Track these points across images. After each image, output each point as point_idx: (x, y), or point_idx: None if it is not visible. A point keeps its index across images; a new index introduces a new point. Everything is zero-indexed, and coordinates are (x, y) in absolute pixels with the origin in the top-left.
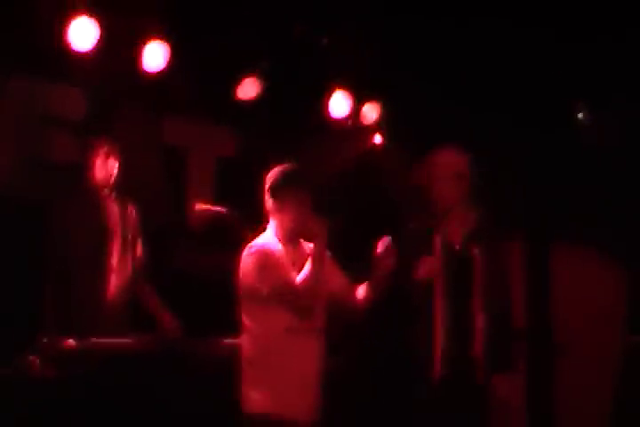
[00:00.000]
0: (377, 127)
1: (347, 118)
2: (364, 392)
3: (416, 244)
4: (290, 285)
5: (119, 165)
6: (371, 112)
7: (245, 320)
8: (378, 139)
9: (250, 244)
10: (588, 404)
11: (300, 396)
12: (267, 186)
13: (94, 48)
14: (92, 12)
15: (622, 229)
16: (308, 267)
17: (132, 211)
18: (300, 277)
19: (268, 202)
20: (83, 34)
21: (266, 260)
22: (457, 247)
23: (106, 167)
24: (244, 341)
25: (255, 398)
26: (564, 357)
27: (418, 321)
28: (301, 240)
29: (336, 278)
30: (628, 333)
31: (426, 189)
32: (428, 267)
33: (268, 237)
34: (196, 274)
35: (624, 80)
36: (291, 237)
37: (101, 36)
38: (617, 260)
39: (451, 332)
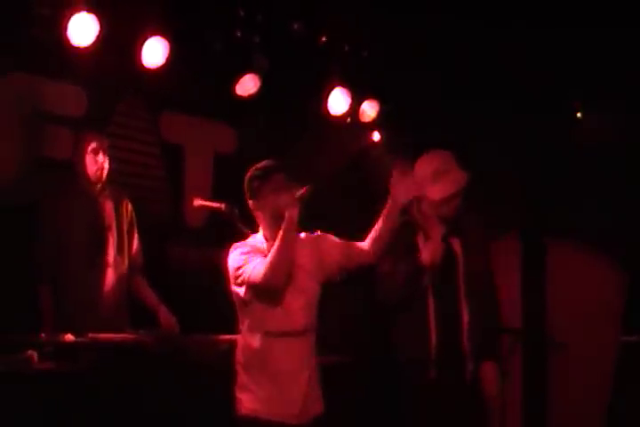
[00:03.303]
0: (375, 125)
1: (345, 116)
2: (358, 390)
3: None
4: (256, 270)
5: (111, 159)
6: (369, 109)
7: (238, 323)
8: (376, 136)
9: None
10: (584, 403)
11: (284, 398)
12: (245, 189)
13: (93, 44)
14: (91, 8)
15: (621, 228)
16: (274, 245)
17: (127, 205)
18: (266, 259)
19: (250, 204)
20: (82, 30)
21: (239, 259)
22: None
23: (96, 163)
24: (237, 343)
25: (242, 399)
26: (561, 356)
27: (411, 312)
28: None
29: (337, 249)
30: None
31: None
32: (431, 251)
33: (256, 237)
34: (193, 270)
35: (621, 78)
36: (275, 234)
37: (101, 32)
38: (616, 259)
39: (440, 325)
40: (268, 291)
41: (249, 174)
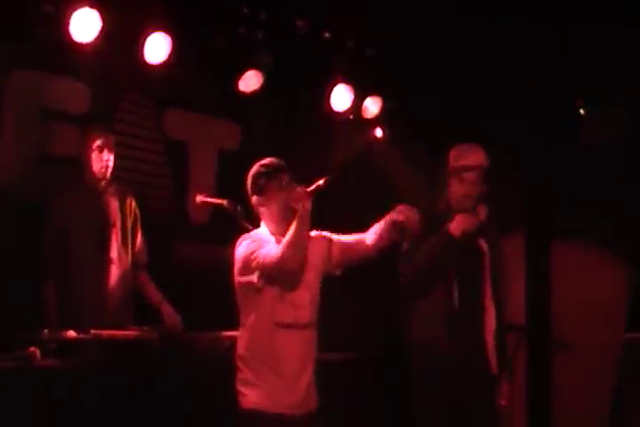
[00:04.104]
0: (378, 121)
1: (348, 112)
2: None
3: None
4: (271, 253)
5: (115, 157)
6: (372, 106)
7: (241, 315)
8: (379, 132)
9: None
10: (588, 401)
11: (289, 389)
12: (248, 185)
13: (96, 40)
14: (93, 4)
15: (624, 226)
16: (290, 231)
17: (131, 203)
18: (282, 242)
19: (253, 200)
20: (85, 26)
21: (251, 246)
22: (466, 239)
23: (101, 160)
24: (239, 337)
25: (246, 394)
26: (566, 354)
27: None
28: None
29: (340, 248)
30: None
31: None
32: (464, 222)
33: (261, 231)
34: (197, 267)
35: (625, 75)
36: (282, 229)
37: (103, 28)
38: (619, 257)
39: (464, 320)
40: (282, 273)
41: (254, 171)
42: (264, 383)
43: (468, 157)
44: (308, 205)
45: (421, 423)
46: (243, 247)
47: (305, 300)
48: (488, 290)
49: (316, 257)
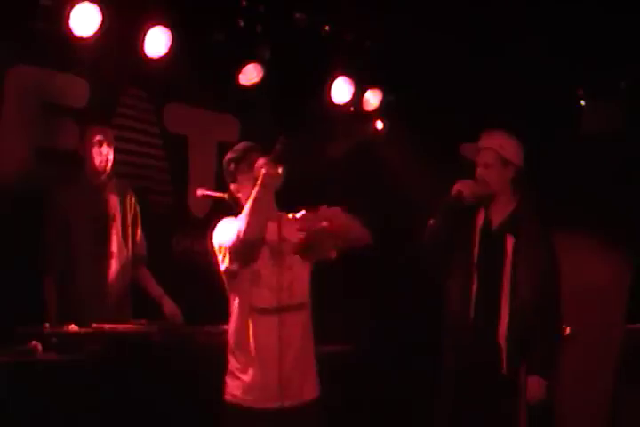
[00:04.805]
0: (378, 114)
1: (348, 104)
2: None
3: (454, 216)
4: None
5: (115, 151)
6: (372, 98)
7: (229, 305)
8: (379, 125)
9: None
10: (589, 391)
11: (266, 381)
12: (224, 175)
13: (96, 35)
14: None
15: (625, 215)
16: (252, 195)
17: (131, 198)
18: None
19: (231, 189)
20: (84, 20)
21: (220, 232)
22: (492, 230)
23: (101, 154)
24: (227, 326)
25: (228, 385)
26: (567, 344)
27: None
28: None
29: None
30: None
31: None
32: (460, 185)
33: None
34: (197, 260)
35: (626, 66)
36: None
37: (103, 22)
38: (619, 247)
39: (478, 310)
40: (247, 244)
41: (224, 159)
42: (243, 374)
43: (482, 139)
44: (270, 171)
45: (437, 414)
46: (218, 230)
47: (283, 282)
48: (506, 289)
49: (296, 238)
